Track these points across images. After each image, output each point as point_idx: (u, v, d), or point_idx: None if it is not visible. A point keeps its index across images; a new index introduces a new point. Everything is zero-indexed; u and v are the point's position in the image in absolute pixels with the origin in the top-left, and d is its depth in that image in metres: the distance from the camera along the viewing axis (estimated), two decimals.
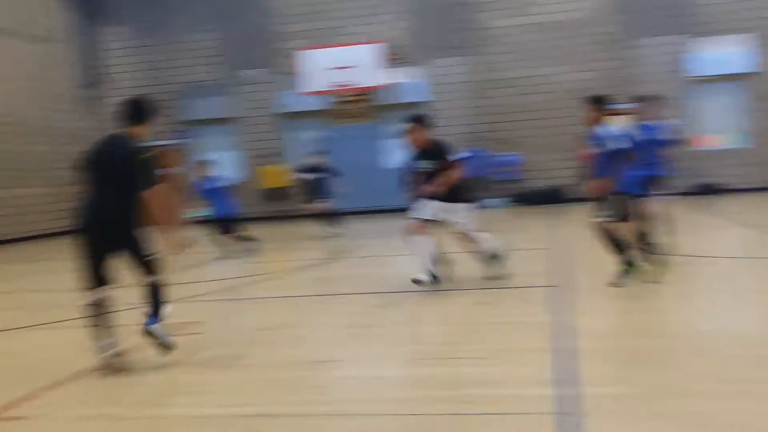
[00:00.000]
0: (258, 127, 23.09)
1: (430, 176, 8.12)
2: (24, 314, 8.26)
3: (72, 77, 23.16)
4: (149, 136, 6.05)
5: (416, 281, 7.93)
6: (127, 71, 23.81)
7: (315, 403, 4.69)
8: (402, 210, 8.98)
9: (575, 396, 4.42)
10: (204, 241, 13.06)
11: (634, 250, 7.82)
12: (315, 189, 15.89)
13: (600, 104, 7.85)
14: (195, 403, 4.83)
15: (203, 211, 13.22)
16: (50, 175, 20.33)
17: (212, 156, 18.12)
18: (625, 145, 7.68)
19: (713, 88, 21.21)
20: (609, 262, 7.90)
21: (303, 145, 21.26)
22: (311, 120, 22.90)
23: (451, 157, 8.20)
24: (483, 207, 20.92)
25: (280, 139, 23.03)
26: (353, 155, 20.96)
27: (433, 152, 8.19)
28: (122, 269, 5.85)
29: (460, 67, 21.95)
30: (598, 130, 7.72)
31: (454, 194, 8.11)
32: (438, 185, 7.99)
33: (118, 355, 5.71)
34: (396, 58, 21.79)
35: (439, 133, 21.89)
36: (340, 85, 21.19)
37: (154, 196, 5.68)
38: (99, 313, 5.68)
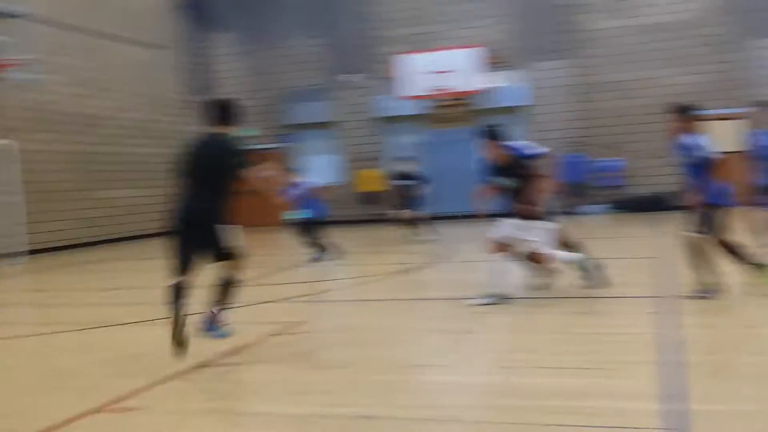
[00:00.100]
0: (356, 131, 23.33)
1: (510, 192, 7.86)
2: (129, 310, 8.59)
3: (180, 82, 24.01)
4: (236, 136, 6.27)
5: (479, 303, 7.78)
6: (232, 76, 24.51)
7: (411, 407, 4.71)
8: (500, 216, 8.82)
9: (683, 412, 4.28)
10: (299, 244, 13.29)
11: (740, 261, 7.51)
12: (405, 196, 15.98)
13: (686, 113, 7.54)
14: (295, 402, 4.91)
15: (297, 214, 13.43)
16: (155, 177, 21.09)
17: (303, 160, 18.46)
18: (712, 155, 7.29)
19: None
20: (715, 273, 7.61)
21: (399, 150, 21.39)
22: (409, 124, 22.97)
23: (531, 172, 7.83)
24: (582, 214, 20.65)
25: (377, 143, 23.19)
26: (451, 160, 20.93)
27: (512, 168, 7.84)
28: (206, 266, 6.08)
29: (560, 70, 21.59)
30: (686, 139, 7.41)
31: (530, 211, 7.75)
32: (527, 204, 7.65)
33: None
34: (495, 62, 21.62)
35: (539, 138, 21.62)
36: (439, 90, 21.16)
37: (245, 194, 5.91)
38: (176, 298, 5.91)
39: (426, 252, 13.77)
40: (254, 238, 14.56)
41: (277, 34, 23.99)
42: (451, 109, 22.16)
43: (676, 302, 7.49)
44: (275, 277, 11.60)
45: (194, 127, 24.00)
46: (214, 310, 6.07)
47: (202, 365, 5.91)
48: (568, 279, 8.54)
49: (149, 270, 13.19)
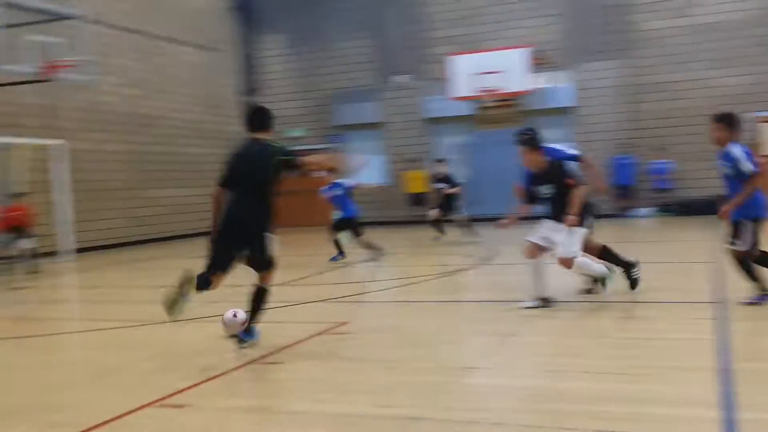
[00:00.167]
0: (405, 132, 23.37)
1: (550, 200, 7.75)
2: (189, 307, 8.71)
3: (232, 84, 24.34)
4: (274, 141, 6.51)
5: (527, 307, 7.73)
6: (282, 78, 24.76)
7: (455, 409, 4.71)
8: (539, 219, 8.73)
9: (731, 420, 4.20)
10: (347, 244, 13.36)
11: None
12: (439, 197, 16.03)
13: (728, 122, 7.34)
14: (338, 401, 4.95)
15: (339, 214, 13.52)
16: (206, 177, 21.38)
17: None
18: (752, 169, 7.07)
19: None
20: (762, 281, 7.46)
21: (438, 152, 21.39)
22: (457, 125, 22.95)
23: (570, 179, 7.63)
24: (631, 217, 20.39)
25: (425, 144, 23.19)
26: (498, 161, 20.79)
27: (551, 175, 7.68)
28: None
29: (609, 71, 21.36)
30: (729, 149, 7.23)
31: (566, 217, 7.55)
32: (571, 215, 7.45)
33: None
34: (545, 63, 21.48)
35: (586, 139, 21.40)
36: (487, 90, 21.07)
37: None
38: (196, 288, 6.17)
39: (470, 254, 13.73)
40: (299, 238, 14.73)
41: (326, 35, 24.15)
42: (499, 110, 22.06)
43: (726, 308, 7.36)
44: (319, 277, 11.69)
45: (242, 130, 24.33)
46: (247, 316, 6.30)
47: (247, 363, 6.00)
48: (614, 284, 8.46)
49: (197, 269, 13.37)
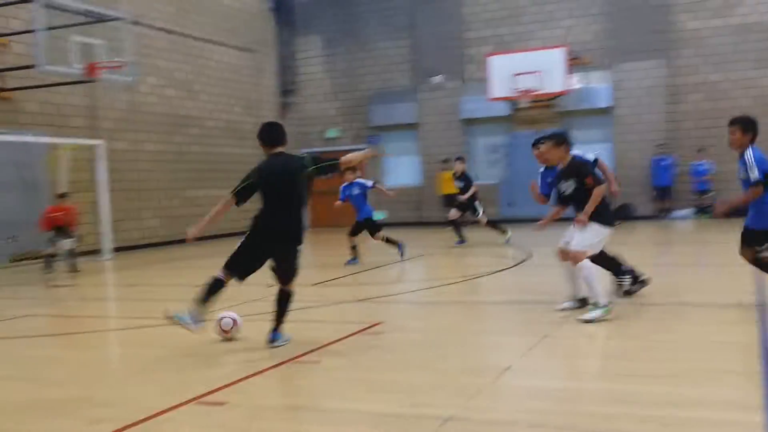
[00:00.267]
0: (441, 132, 23.33)
1: (572, 199, 7.60)
2: (221, 306, 8.79)
3: (270, 84, 24.53)
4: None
5: (562, 309, 7.68)
6: (319, 78, 24.89)
7: (493, 410, 4.70)
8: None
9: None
10: (385, 244, 13.38)
11: None
12: (461, 198, 15.92)
13: (744, 126, 7.26)
14: (374, 400, 4.96)
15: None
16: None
17: (388, 162, 18.14)
18: (760, 176, 6.98)
19: None
20: None
21: (481, 152, 21.28)
22: (494, 126, 22.87)
23: (589, 177, 7.45)
24: (671, 218, 20.15)
25: (461, 145, 23.13)
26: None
27: (573, 173, 7.53)
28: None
29: (649, 71, 21.11)
30: (747, 155, 7.14)
31: (585, 218, 7.36)
32: (585, 215, 7.32)
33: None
34: (583, 63, 21.32)
35: (626, 140, 21.17)
36: (525, 91, 20.96)
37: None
38: (216, 291, 6.57)
39: (504, 255, 13.67)
40: (331, 239, 14.78)
41: (363, 35, 24.23)
42: (536, 111, 21.95)
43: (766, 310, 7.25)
44: (353, 277, 11.72)
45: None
46: (277, 321, 6.60)
47: (283, 362, 6.04)
48: (650, 286, 8.38)
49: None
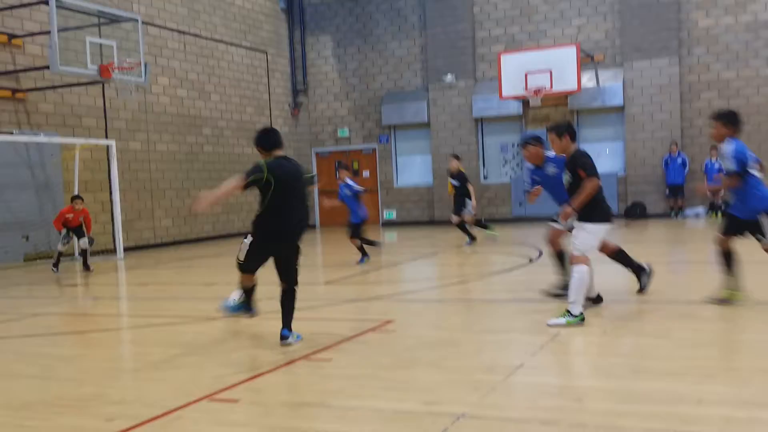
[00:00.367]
0: (453, 132, 23.30)
1: (570, 191, 7.45)
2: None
3: (282, 84, 24.59)
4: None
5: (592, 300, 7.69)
6: (331, 78, 24.92)
7: (507, 407, 4.71)
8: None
9: None
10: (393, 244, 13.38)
11: None
12: (457, 196, 15.88)
13: (726, 120, 7.42)
14: (387, 398, 4.97)
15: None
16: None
17: (398, 161, 18.11)
18: (737, 167, 7.24)
19: None
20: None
21: (494, 151, 21.20)
22: (506, 125, 22.83)
23: (582, 170, 7.27)
24: (683, 217, 20.06)
25: (473, 144, 23.11)
26: None
27: (571, 164, 7.40)
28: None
29: (662, 69, 21.01)
30: (727, 147, 7.33)
31: (582, 211, 7.26)
32: (572, 206, 7.27)
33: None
34: (596, 61, 21.26)
35: (638, 138, 21.11)
36: (537, 90, 20.90)
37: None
38: (251, 293, 6.99)
39: (515, 253, 13.65)
40: (342, 237, 14.78)
41: (375, 35, 24.24)
42: (549, 109, 21.90)
43: None
44: (364, 275, 11.74)
45: (294, 129, 24.66)
46: (286, 319, 6.71)
47: (295, 360, 6.07)
48: (666, 284, 8.36)
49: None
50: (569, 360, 6.01)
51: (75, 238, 14.37)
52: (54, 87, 16.22)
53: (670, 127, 20.88)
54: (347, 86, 24.69)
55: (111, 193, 16.86)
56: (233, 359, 6.33)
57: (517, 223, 21.62)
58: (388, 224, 23.50)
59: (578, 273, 7.03)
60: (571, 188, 7.37)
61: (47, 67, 14.48)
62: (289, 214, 6.63)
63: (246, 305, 7.07)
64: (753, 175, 7.33)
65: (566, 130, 7.51)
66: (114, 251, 16.76)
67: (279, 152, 6.79)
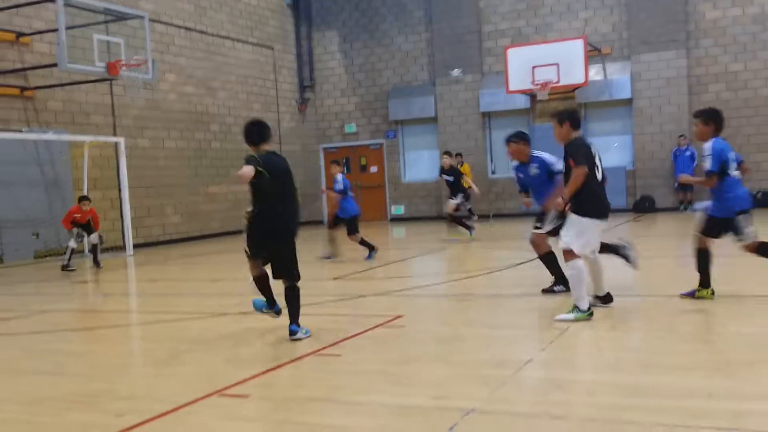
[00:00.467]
0: (461, 126, 23.27)
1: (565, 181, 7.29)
2: (233, 301, 8.84)
3: (288, 80, 24.59)
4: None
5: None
6: (337, 73, 24.91)
7: (516, 401, 4.71)
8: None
9: None
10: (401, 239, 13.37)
11: None
12: (451, 191, 15.89)
13: (707, 118, 7.42)
14: (397, 393, 4.98)
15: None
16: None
17: (406, 156, 18.08)
18: (713, 167, 7.24)
19: None
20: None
21: (501, 145, 21.14)
22: (513, 119, 22.77)
23: (572, 159, 7.07)
24: (692, 211, 19.98)
25: (482, 138, 23.07)
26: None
27: (566, 153, 7.23)
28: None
29: (669, 62, 20.93)
30: (707, 146, 7.33)
31: (574, 201, 7.07)
32: (555, 197, 7.26)
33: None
34: (603, 54, 21.19)
35: (646, 131, 21.04)
36: (544, 83, 20.83)
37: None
38: (265, 286, 6.91)
39: (524, 248, 13.61)
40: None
41: (381, 30, 24.21)
42: (556, 103, 21.82)
43: None
44: (373, 271, 11.74)
45: (301, 124, 24.68)
46: (293, 315, 6.71)
47: (305, 355, 6.08)
48: (672, 278, 8.33)
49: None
50: (578, 355, 6.00)
51: (85, 235, 14.42)
52: (62, 85, 16.26)
53: (678, 120, 20.81)
54: (354, 82, 24.68)
55: (120, 190, 16.91)
56: (243, 355, 6.36)
57: (525, 217, 21.54)
58: (397, 219, 23.51)
59: (573, 269, 6.96)
60: (566, 178, 7.26)
61: (55, 65, 14.54)
62: (280, 210, 6.62)
63: (269, 304, 7.00)
64: (730, 176, 7.30)
65: (567, 118, 7.32)
66: (123, 248, 16.82)
67: (267, 146, 6.75)
